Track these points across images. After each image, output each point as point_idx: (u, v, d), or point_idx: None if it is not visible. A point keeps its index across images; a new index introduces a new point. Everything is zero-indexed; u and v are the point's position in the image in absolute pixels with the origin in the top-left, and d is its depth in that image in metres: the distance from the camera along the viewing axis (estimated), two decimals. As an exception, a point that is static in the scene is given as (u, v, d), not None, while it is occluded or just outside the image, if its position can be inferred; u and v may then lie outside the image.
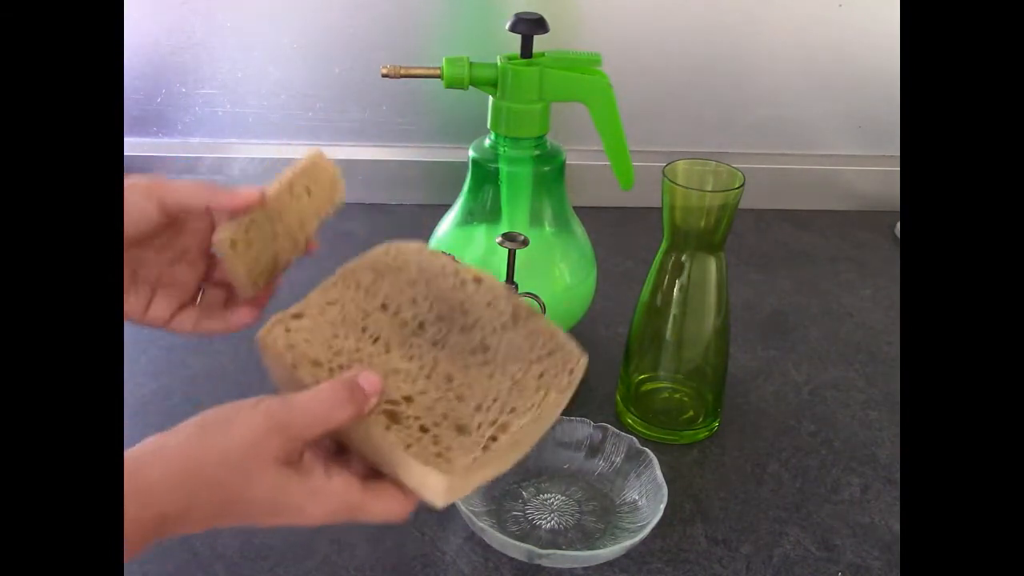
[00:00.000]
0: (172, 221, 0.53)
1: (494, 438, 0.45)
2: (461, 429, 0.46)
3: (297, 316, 0.50)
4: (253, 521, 0.44)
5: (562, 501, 0.66)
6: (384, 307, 0.51)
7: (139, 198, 0.50)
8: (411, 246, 0.54)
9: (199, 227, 0.55)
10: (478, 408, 0.47)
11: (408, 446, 0.44)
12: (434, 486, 0.45)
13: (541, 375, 0.48)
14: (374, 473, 0.47)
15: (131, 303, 0.53)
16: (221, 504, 0.43)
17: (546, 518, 0.65)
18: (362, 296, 0.51)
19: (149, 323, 0.55)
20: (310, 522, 0.45)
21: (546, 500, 0.66)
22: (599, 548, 0.61)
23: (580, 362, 0.49)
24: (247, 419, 0.43)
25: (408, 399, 0.47)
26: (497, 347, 0.49)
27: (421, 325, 0.50)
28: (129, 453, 0.43)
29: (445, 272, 0.52)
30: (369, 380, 0.45)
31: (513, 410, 0.46)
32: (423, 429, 0.45)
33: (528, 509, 0.65)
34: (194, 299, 0.56)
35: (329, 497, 0.44)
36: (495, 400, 0.47)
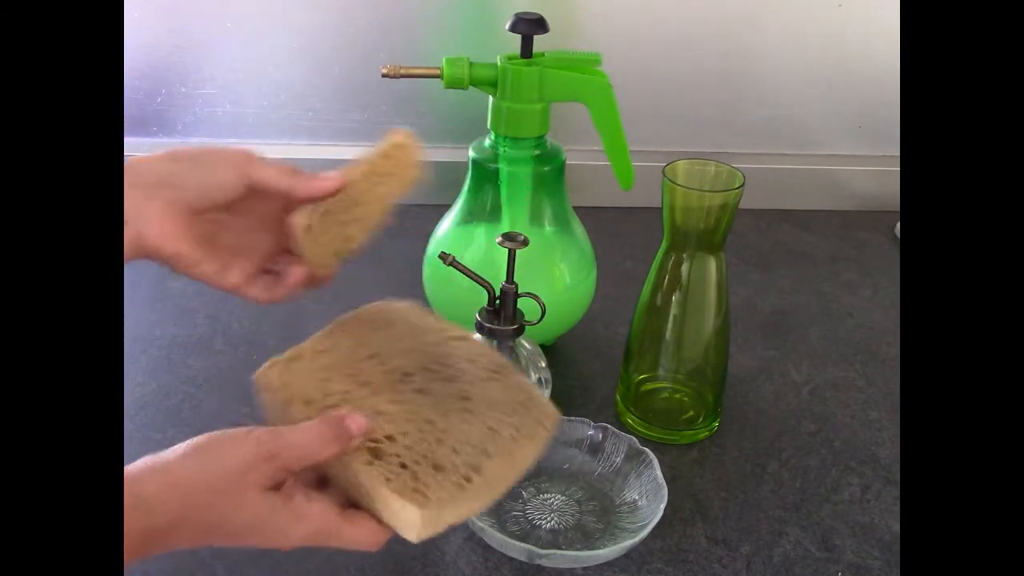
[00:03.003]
0: (254, 193, 0.54)
1: (468, 478, 0.48)
2: (438, 468, 0.48)
3: (293, 359, 0.53)
4: (237, 541, 0.46)
5: (562, 501, 0.66)
6: (373, 357, 0.54)
7: (228, 169, 0.52)
8: (401, 305, 0.59)
9: (280, 198, 0.56)
10: (455, 451, 0.50)
11: (388, 480, 0.47)
12: (410, 519, 0.47)
13: (516, 425, 0.52)
14: (351, 505, 0.49)
15: (207, 267, 0.53)
16: (209, 524, 0.45)
17: (546, 518, 0.65)
18: (354, 346, 0.55)
19: (223, 287, 0.55)
20: (290, 543, 0.47)
21: (546, 500, 0.66)
22: (599, 548, 0.61)
23: (553, 418, 0.53)
24: (239, 447, 0.45)
25: (390, 438, 0.49)
26: (477, 397, 0.53)
27: (407, 374, 0.54)
28: (125, 469, 0.44)
29: (431, 329, 0.57)
30: (356, 421, 0.48)
31: (488, 454, 0.50)
32: (403, 466, 0.48)
33: (528, 509, 0.65)
34: (268, 265, 0.57)
35: (309, 521, 0.47)
36: (472, 445, 0.50)
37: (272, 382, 0.52)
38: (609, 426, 0.69)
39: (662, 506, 0.62)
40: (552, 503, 0.66)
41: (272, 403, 0.52)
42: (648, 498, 0.64)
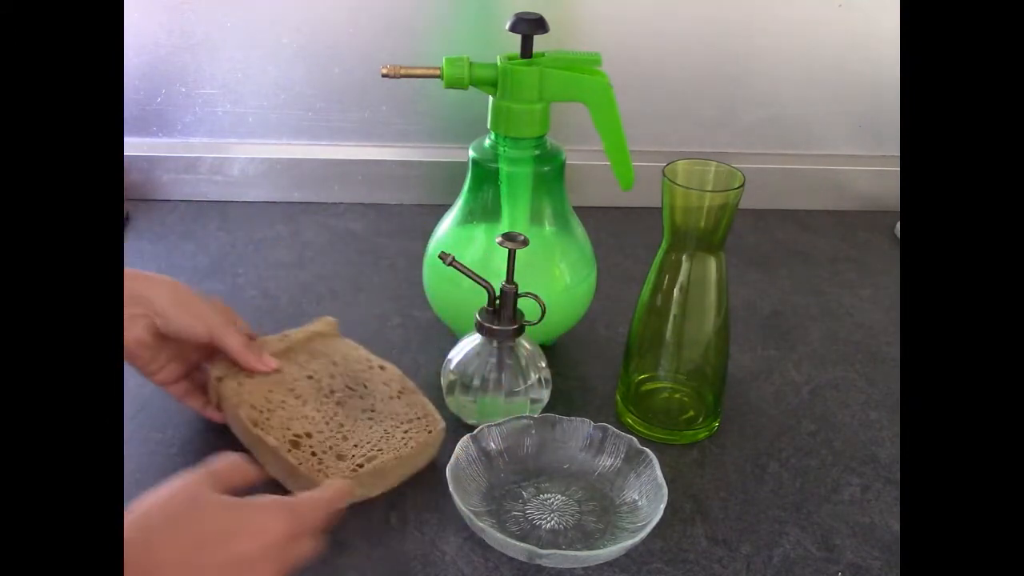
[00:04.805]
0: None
1: (361, 466, 0.64)
2: (340, 457, 0.65)
3: (248, 377, 0.69)
4: (223, 549, 0.48)
5: (562, 501, 0.66)
6: (310, 378, 0.71)
7: (202, 325, 0.66)
8: (343, 341, 0.75)
9: None
10: (356, 446, 0.66)
11: (300, 464, 0.63)
12: None
13: (407, 431, 0.67)
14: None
15: (148, 367, 0.67)
16: (188, 544, 0.47)
17: (546, 518, 0.65)
18: (296, 368, 0.71)
19: (156, 382, 0.69)
20: (272, 536, 0.49)
21: (546, 500, 0.66)
22: (599, 548, 0.61)
23: (439, 426, 0.68)
24: (178, 480, 0.50)
25: (308, 435, 0.66)
26: (382, 410, 0.69)
27: (332, 391, 0.70)
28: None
29: (360, 360, 0.73)
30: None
31: (381, 451, 0.65)
32: (313, 454, 0.65)
33: (528, 509, 0.65)
34: (198, 367, 0.71)
35: (271, 507, 0.51)
36: (369, 443, 0.66)
37: (228, 392, 0.67)
38: (609, 426, 0.69)
39: (662, 506, 0.62)
40: (552, 503, 0.66)
41: (228, 407, 0.67)
42: (648, 498, 0.64)
